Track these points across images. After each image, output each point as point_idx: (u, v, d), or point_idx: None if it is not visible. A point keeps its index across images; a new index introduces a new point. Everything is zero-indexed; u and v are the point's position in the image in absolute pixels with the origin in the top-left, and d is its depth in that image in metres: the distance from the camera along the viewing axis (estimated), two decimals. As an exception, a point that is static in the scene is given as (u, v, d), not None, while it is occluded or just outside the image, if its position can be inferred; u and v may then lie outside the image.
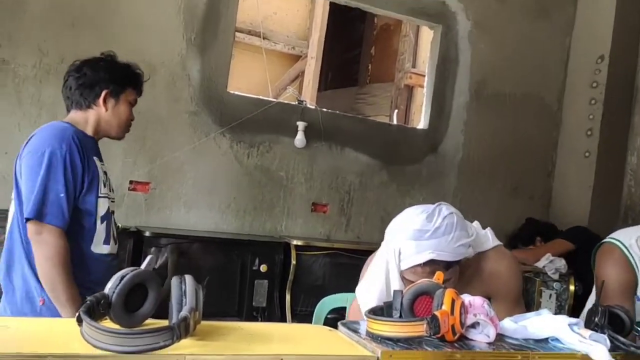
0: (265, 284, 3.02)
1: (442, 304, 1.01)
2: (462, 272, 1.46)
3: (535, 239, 3.51)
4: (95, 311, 0.99)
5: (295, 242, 3.11)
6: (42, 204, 1.57)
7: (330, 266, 3.13)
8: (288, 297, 3.03)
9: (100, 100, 1.76)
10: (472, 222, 1.57)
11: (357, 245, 3.35)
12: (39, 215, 1.57)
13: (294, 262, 3.06)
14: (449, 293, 1.02)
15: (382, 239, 3.77)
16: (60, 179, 1.59)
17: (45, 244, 1.57)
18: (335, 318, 2.02)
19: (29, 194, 1.58)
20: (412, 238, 1.33)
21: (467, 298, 1.08)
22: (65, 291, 1.59)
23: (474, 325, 1.07)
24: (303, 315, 2.97)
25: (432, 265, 1.33)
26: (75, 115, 1.77)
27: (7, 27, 2.85)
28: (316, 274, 3.13)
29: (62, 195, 1.59)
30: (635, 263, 1.66)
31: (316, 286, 3.04)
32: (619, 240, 1.70)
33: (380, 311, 1.12)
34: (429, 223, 1.34)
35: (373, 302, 1.44)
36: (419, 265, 1.34)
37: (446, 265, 1.35)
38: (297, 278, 3.06)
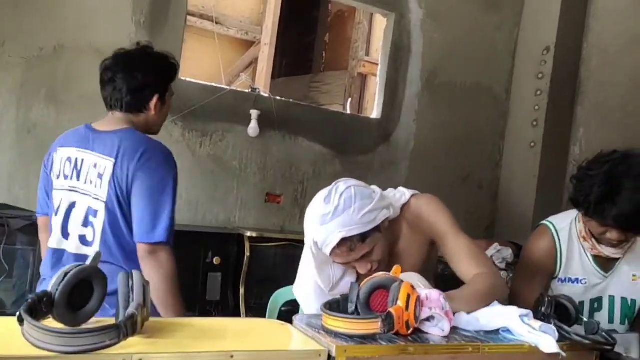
0: (218, 277, 2.97)
1: (397, 299, 1.01)
2: (396, 234, 1.49)
3: None
4: (38, 310, 0.95)
5: (249, 234, 3.06)
6: (170, 227, 1.62)
7: (285, 258, 3.10)
8: (242, 290, 2.99)
9: (152, 104, 1.74)
10: None
11: (311, 236, 3.34)
12: (168, 239, 1.62)
13: (247, 254, 3.02)
14: (405, 287, 1.02)
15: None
16: (174, 202, 1.66)
17: (161, 264, 1.61)
18: (290, 310, 2.00)
19: (152, 216, 1.60)
20: (319, 224, 1.34)
21: (423, 292, 1.09)
22: (178, 306, 1.65)
23: (428, 319, 1.08)
24: (258, 308, 2.94)
25: (346, 243, 1.34)
26: (129, 119, 1.73)
27: (-61, 5, 2.69)
28: (270, 265, 3.10)
29: (173, 216, 1.66)
30: (560, 247, 1.73)
31: (270, 278, 3.02)
32: (551, 223, 1.78)
33: (337, 304, 1.12)
34: (327, 205, 1.34)
35: (311, 296, 1.47)
36: (335, 247, 1.34)
37: (361, 238, 1.35)
38: (251, 270, 3.02)
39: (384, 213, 1.38)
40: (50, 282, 0.99)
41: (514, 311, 1.14)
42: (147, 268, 1.61)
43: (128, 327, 0.91)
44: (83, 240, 1.66)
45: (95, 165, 1.65)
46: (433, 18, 3.94)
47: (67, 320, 0.98)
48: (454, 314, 1.14)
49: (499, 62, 4.22)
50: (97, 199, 1.64)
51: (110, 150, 1.64)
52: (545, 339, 1.05)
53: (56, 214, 1.69)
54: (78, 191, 1.67)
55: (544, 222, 1.81)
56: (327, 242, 1.34)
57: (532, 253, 1.77)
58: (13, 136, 2.85)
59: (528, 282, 1.73)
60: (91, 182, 1.65)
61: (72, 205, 1.67)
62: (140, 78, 1.71)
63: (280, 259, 3.12)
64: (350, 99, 4.90)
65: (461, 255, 1.42)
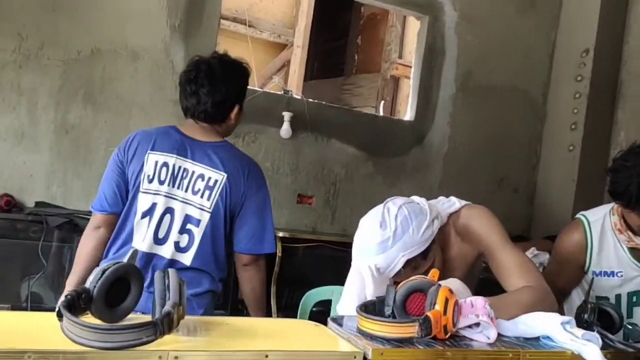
0: (250, 276, 2.99)
1: (435, 303, 0.99)
2: (444, 242, 1.45)
3: None
4: (76, 306, 0.96)
5: (281, 234, 3.07)
6: (274, 238, 1.80)
7: (316, 258, 3.11)
8: (273, 290, 3.00)
9: (233, 114, 1.81)
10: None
11: (343, 238, 3.31)
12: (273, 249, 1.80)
13: (279, 254, 3.02)
14: (443, 291, 1.00)
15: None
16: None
17: (261, 269, 1.80)
18: (321, 311, 2.00)
19: (260, 229, 1.76)
20: (379, 252, 1.30)
21: (468, 298, 1.06)
22: (265, 306, 1.85)
23: (471, 326, 1.05)
24: (289, 308, 2.95)
25: (410, 264, 1.32)
26: (215, 129, 1.80)
27: (-16, 10, 2.77)
28: (302, 266, 3.10)
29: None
30: (592, 239, 1.71)
31: (302, 279, 3.01)
32: (585, 216, 1.76)
33: (372, 307, 1.10)
34: (384, 231, 1.30)
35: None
36: (400, 270, 1.32)
37: (423, 255, 1.33)
38: (282, 270, 3.03)
39: (436, 224, 1.36)
40: (89, 278, 1.01)
41: (555, 318, 1.10)
42: (249, 273, 1.78)
43: (164, 325, 0.91)
44: (177, 246, 1.70)
45: (202, 177, 1.70)
46: (468, 20, 3.89)
47: (104, 316, 0.99)
48: None
49: (535, 64, 4.15)
50: (202, 209, 1.69)
51: (215, 163, 1.70)
52: (589, 347, 1.02)
53: (143, 217, 1.70)
54: (177, 198, 1.70)
55: (579, 215, 1.80)
56: (392, 267, 1.31)
57: (562, 246, 1.79)
58: (52, 137, 2.92)
59: (556, 274, 1.74)
60: (195, 192, 1.69)
61: (167, 211, 1.70)
62: (224, 91, 1.76)
63: (312, 259, 3.12)
64: (382, 101, 4.86)
65: (510, 269, 1.37)
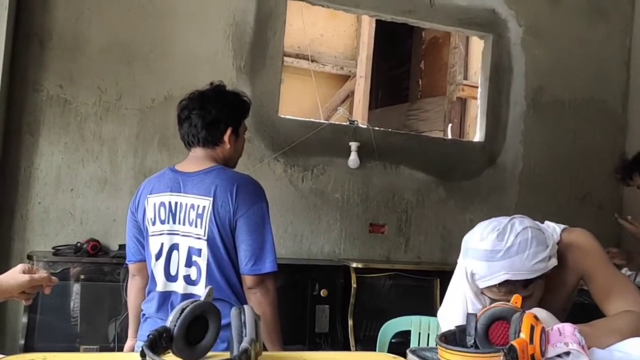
0: (326, 309, 2.97)
1: (519, 332, 0.93)
2: (547, 275, 1.36)
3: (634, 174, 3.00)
4: (158, 345, 0.98)
5: (354, 265, 3.05)
6: (275, 257, 1.70)
7: (392, 288, 3.06)
8: (350, 322, 2.97)
9: (226, 137, 1.78)
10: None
11: (418, 266, 3.26)
12: (276, 268, 1.69)
13: (354, 285, 3.00)
14: (528, 318, 0.94)
15: (443, 258, 3.63)
16: (272, 230, 1.73)
17: (269, 291, 1.70)
18: (400, 342, 1.95)
19: (259, 248, 1.68)
20: (484, 259, 1.26)
21: (557, 325, 0.99)
22: (279, 330, 1.72)
23: (561, 355, 0.98)
24: (367, 340, 2.90)
25: (507, 286, 1.26)
26: (209, 154, 1.79)
27: (68, 68, 2.98)
28: (378, 296, 3.05)
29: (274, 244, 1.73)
30: None
31: (378, 309, 2.96)
32: None
33: (453, 336, 1.06)
34: (500, 242, 1.25)
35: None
36: (494, 285, 1.27)
37: (524, 284, 1.27)
38: (358, 302, 3.00)
39: (552, 262, 1.30)
40: (169, 318, 1.03)
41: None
42: (256, 296, 1.68)
43: (242, 361, 0.91)
44: (188, 280, 1.70)
45: (193, 207, 1.70)
46: (534, 35, 3.79)
47: (185, 354, 1.00)
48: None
49: (611, 74, 3.97)
50: (199, 238, 1.69)
51: (206, 190, 1.69)
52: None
53: (157, 259, 1.74)
54: (178, 233, 1.72)
55: None
56: (488, 279, 1.27)
57: None
58: (131, 182, 3.06)
59: None
60: (191, 223, 1.70)
61: (173, 248, 1.73)
62: (214, 112, 1.76)
63: (388, 289, 3.07)
64: (450, 124, 4.79)
65: (609, 293, 1.31)
